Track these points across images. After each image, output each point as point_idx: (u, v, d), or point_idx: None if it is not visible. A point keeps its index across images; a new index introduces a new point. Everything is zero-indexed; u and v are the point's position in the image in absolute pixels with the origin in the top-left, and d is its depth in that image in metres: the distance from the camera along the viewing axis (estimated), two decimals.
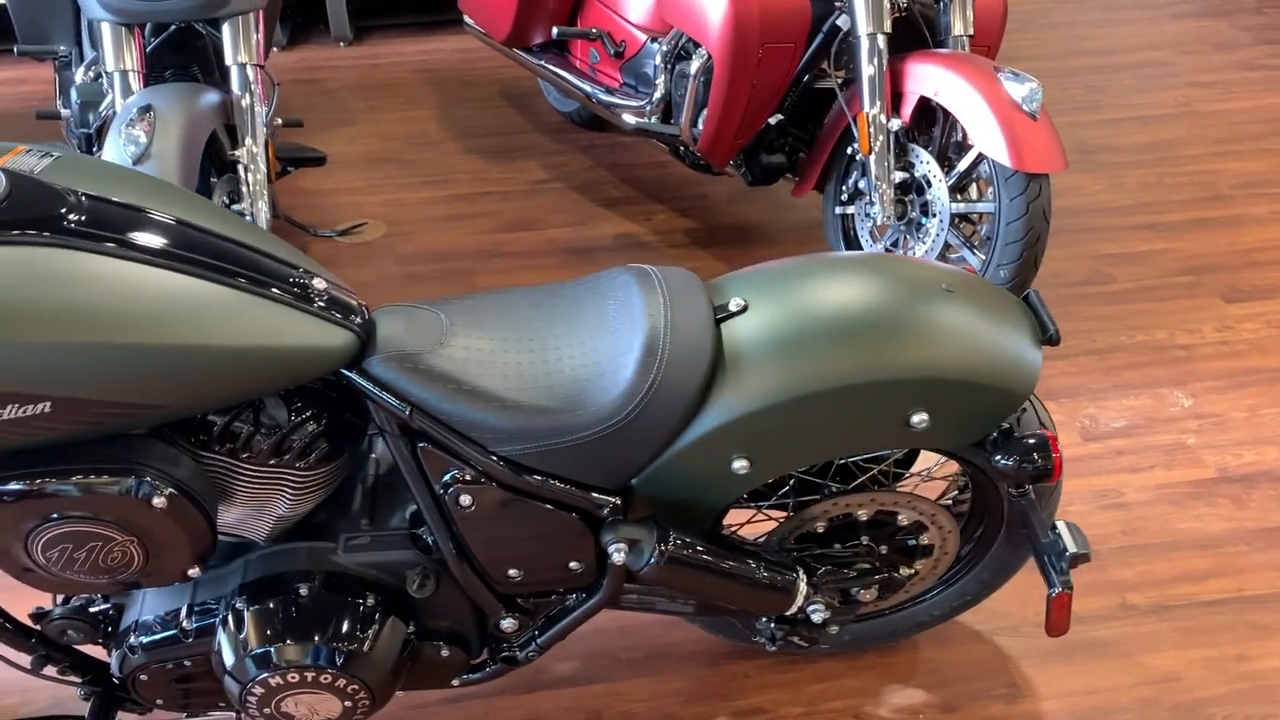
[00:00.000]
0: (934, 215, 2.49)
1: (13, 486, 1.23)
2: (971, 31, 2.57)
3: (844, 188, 2.68)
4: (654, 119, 2.95)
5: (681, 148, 2.88)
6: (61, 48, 3.18)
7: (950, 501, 1.69)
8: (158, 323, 1.19)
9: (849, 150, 2.66)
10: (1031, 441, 1.43)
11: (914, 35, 2.60)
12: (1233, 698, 1.77)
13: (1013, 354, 1.42)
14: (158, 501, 1.26)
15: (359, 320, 1.35)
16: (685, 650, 1.89)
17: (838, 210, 2.72)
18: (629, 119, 3.01)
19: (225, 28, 2.44)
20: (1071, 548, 1.41)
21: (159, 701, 1.54)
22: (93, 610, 1.52)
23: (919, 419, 1.39)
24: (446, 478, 1.41)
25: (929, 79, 2.43)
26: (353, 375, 1.35)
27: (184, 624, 1.47)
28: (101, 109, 2.59)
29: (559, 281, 1.53)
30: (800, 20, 2.54)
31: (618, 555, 1.40)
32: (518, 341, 1.41)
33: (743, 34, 2.50)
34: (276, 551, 1.47)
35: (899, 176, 2.51)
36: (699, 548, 1.43)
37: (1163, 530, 2.09)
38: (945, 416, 1.40)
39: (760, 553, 1.50)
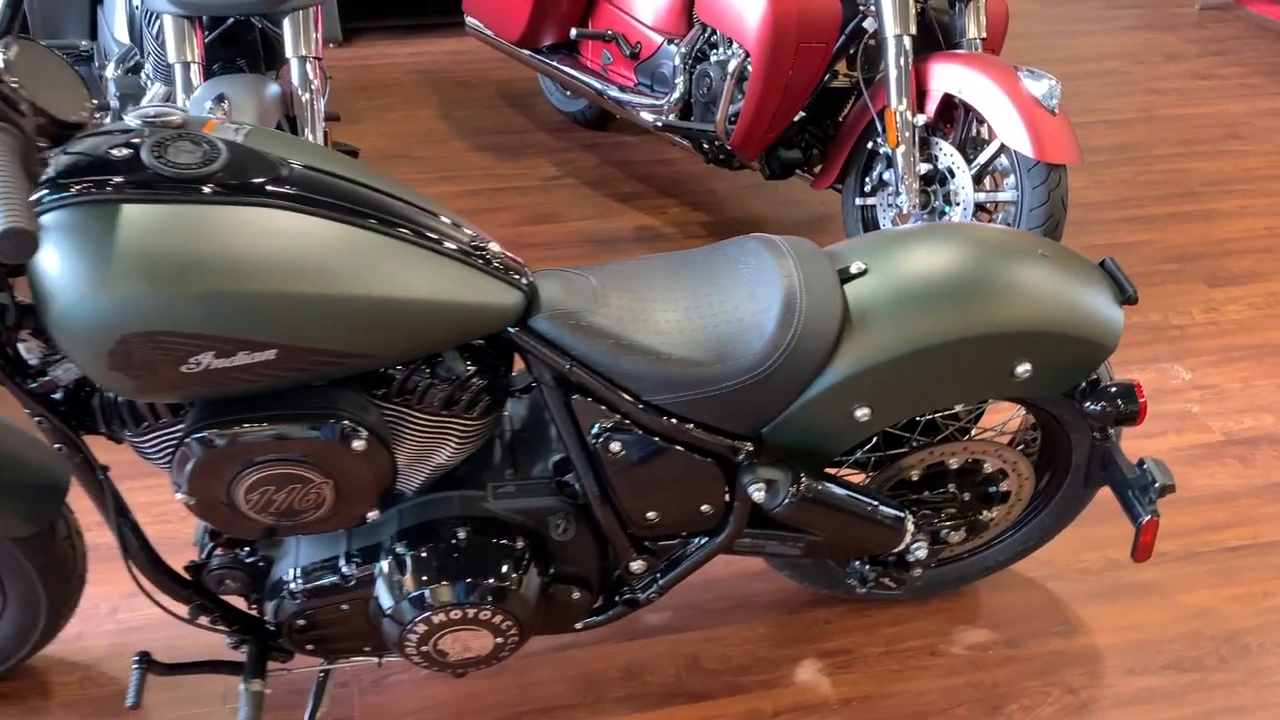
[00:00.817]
0: (957, 204, 2.68)
1: (231, 431, 1.33)
2: (985, 34, 2.77)
3: (867, 180, 2.86)
4: (672, 116, 3.10)
5: (707, 143, 3.03)
6: (82, 43, 3.22)
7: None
8: (369, 277, 1.30)
9: (869, 145, 2.84)
10: (1118, 388, 1.61)
11: (928, 38, 2.79)
12: (1265, 628, 1.97)
13: (1100, 311, 1.59)
14: (356, 444, 1.37)
15: (525, 281, 1.47)
16: (765, 600, 2.04)
17: (858, 201, 2.90)
18: (648, 117, 3.16)
19: (286, 22, 2.53)
20: (1160, 480, 1.59)
21: (309, 647, 1.63)
22: (247, 561, 1.60)
23: (1023, 369, 1.56)
24: (597, 427, 1.53)
25: (952, 77, 2.61)
26: (515, 332, 1.47)
27: (343, 570, 1.56)
28: (143, 102, 2.65)
29: (688, 249, 1.66)
30: (832, 21, 2.71)
31: (757, 494, 1.54)
32: (664, 301, 1.54)
33: (781, 33, 2.66)
34: (430, 500, 1.58)
35: (923, 168, 2.69)
36: (828, 487, 1.58)
37: (1182, 487, 2.29)
38: (1045, 367, 1.57)
39: (875, 494, 1.65)
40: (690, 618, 2.00)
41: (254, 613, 1.66)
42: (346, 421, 1.36)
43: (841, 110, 3.05)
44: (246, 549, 1.61)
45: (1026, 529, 1.92)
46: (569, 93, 3.97)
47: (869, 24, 2.75)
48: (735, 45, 2.82)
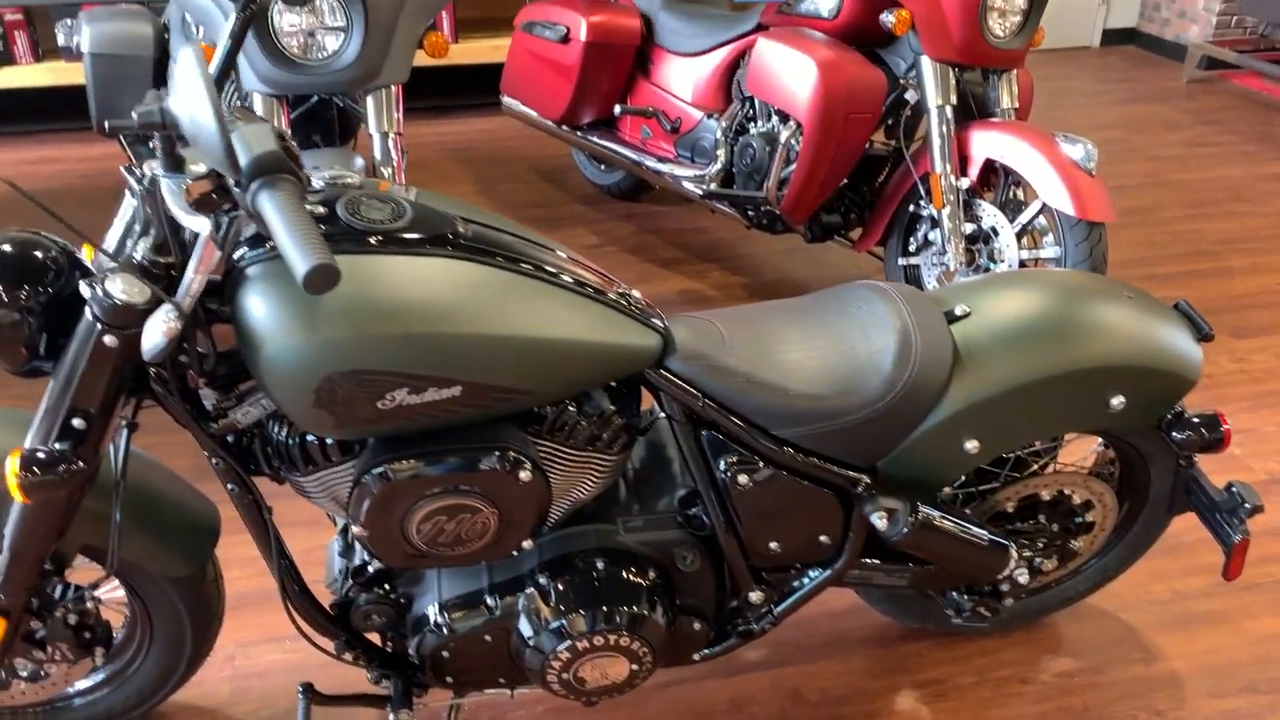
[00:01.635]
0: (1001, 261, 2.84)
1: (410, 465, 1.43)
2: (1017, 104, 2.96)
3: (910, 241, 3.02)
4: (714, 185, 3.27)
5: (754, 209, 3.19)
6: None
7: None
8: (537, 320, 1.42)
9: (911, 208, 3.01)
10: (1201, 418, 1.74)
11: (964, 107, 2.97)
12: None
13: (1183, 347, 1.73)
14: (523, 475, 1.47)
15: (661, 325, 1.59)
16: (858, 636, 2.13)
17: (902, 261, 3.06)
18: (691, 186, 3.33)
19: (369, 100, 2.67)
20: (1251, 501, 1.72)
21: (448, 679, 1.71)
22: (391, 598, 1.69)
23: (1117, 401, 1.68)
24: (724, 462, 1.64)
25: (994, 144, 2.79)
26: (652, 372, 1.59)
27: (487, 602, 1.65)
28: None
29: (799, 296, 1.79)
30: (878, 93, 2.89)
31: (879, 523, 1.65)
32: (785, 343, 1.66)
33: (832, 106, 2.84)
34: (567, 534, 1.67)
35: (968, 228, 2.85)
36: (943, 516, 1.69)
37: None
38: (1136, 398, 1.69)
39: (981, 524, 1.76)
40: (788, 653, 2.09)
41: (388, 649, 1.74)
42: (513, 453, 1.47)
43: (877, 176, 3.22)
44: (388, 586, 1.69)
45: (1106, 559, 2.03)
46: (604, 166, 4.14)
47: (910, 95, 2.93)
48: (782, 118, 3.00)
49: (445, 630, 1.65)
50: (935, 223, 2.92)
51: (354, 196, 1.40)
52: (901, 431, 1.65)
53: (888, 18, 2.85)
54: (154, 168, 1.28)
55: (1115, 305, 1.72)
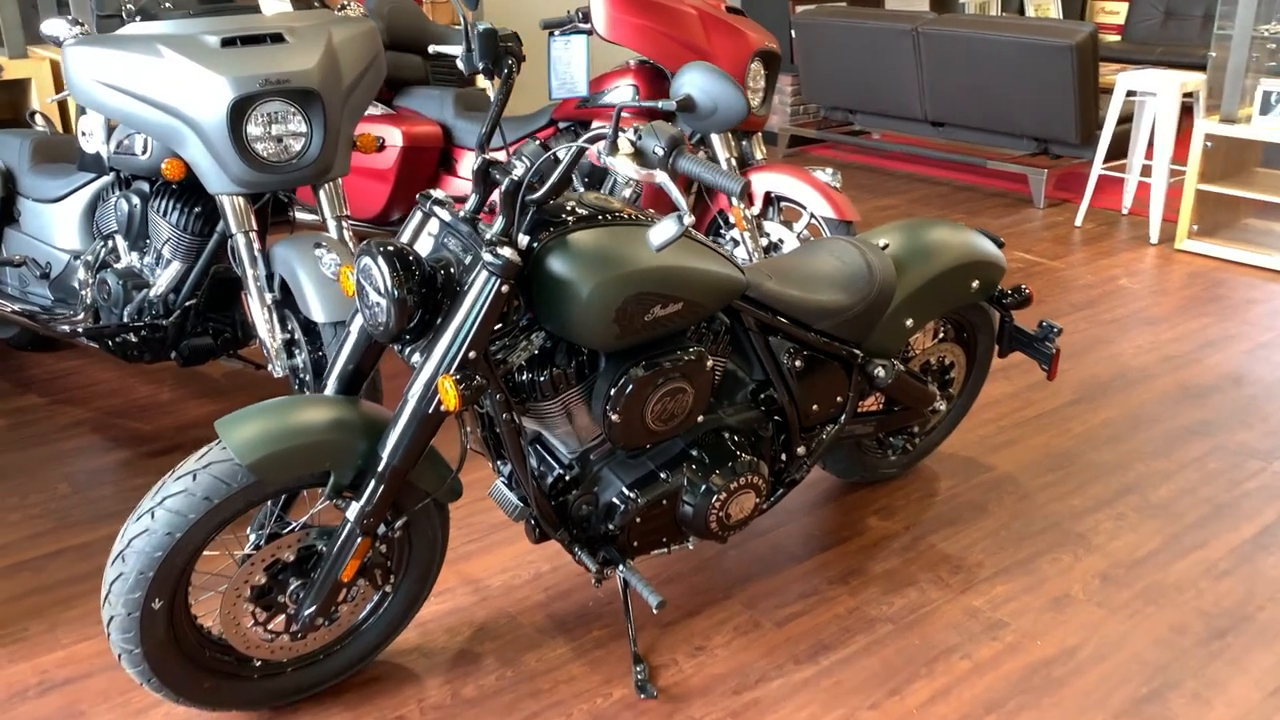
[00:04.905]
0: None
1: (655, 363, 2.16)
2: (764, 156, 4.12)
3: None
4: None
5: None
6: (16, 256, 3.60)
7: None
8: (705, 263, 2.22)
9: (713, 238, 4.05)
10: (1014, 289, 2.89)
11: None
12: None
13: (995, 250, 2.87)
14: (709, 364, 2.25)
15: (740, 266, 2.45)
16: (786, 554, 3.04)
17: None
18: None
19: (321, 193, 3.23)
20: (1056, 326, 2.88)
21: (635, 544, 2.38)
22: (589, 493, 2.35)
23: (974, 284, 2.78)
24: (785, 355, 2.51)
25: (771, 181, 3.91)
26: (737, 301, 2.43)
27: (661, 476, 2.36)
28: (151, 294, 3.23)
29: (796, 248, 2.71)
30: None
31: (880, 373, 2.60)
32: (803, 275, 2.58)
33: None
34: (700, 423, 2.44)
35: (764, 241, 3.93)
36: (910, 370, 2.68)
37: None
38: (983, 281, 2.80)
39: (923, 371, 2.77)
40: (734, 582, 2.95)
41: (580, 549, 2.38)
42: (699, 350, 2.25)
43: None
44: (579, 489, 2.35)
45: (954, 412, 3.13)
46: None
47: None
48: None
49: (635, 502, 2.34)
50: (738, 242, 3.97)
51: (574, 199, 2.14)
52: (877, 318, 2.62)
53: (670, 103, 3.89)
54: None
55: (960, 230, 2.84)
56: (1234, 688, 2.29)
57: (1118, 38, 9.07)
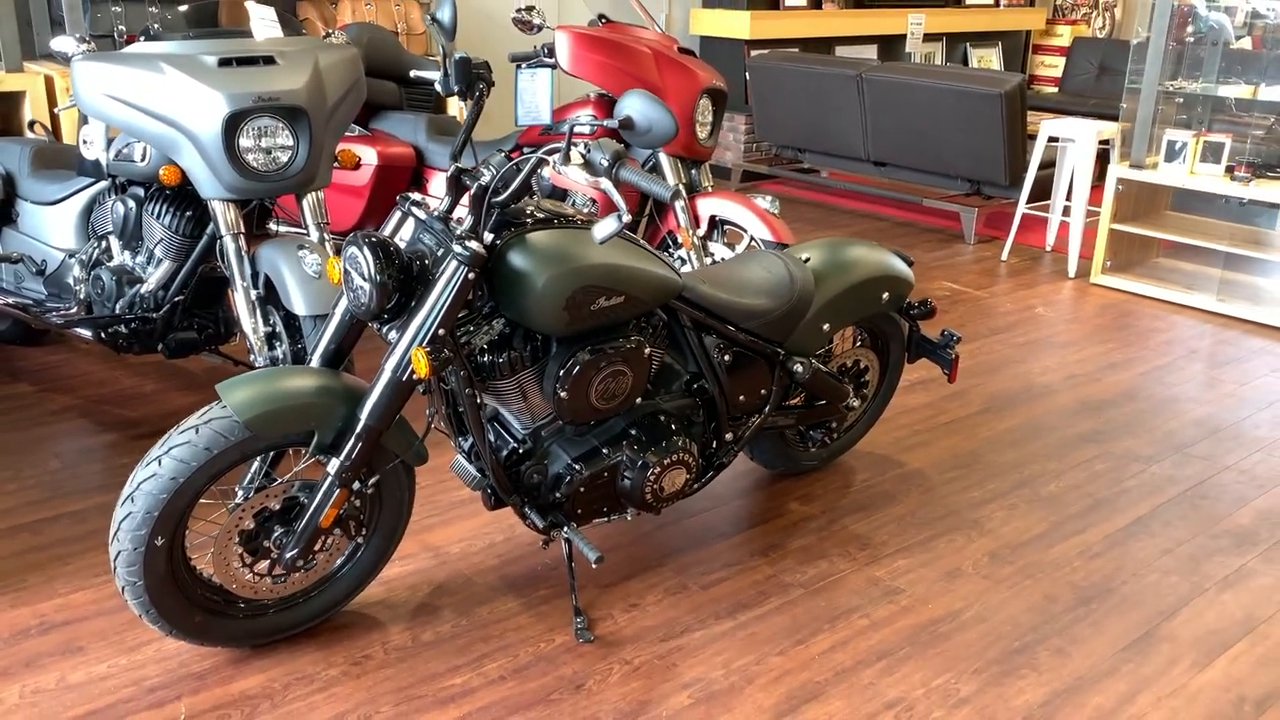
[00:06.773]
0: None
1: (600, 349, 2.50)
2: (711, 184, 4.50)
3: None
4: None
5: None
6: (14, 254, 3.89)
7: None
8: (645, 264, 2.58)
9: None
10: (921, 301, 3.27)
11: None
12: None
13: (905, 268, 3.25)
14: (647, 351, 2.60)
15: (677, 271, 2.80)
16: (717, 533, 3.38)
17: None
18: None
19: (304, 203, 3.55)
20: (955, 335, 3.25)
21: (579, 512, 2.70)
22: (540, 465, 2.67)
23: (885, 296, 3.16)
24: (716, 350, 2.87)
25: (715, 206, 4.28)
26: (674, 300, 2.78)
27: (603, 452, 2.70)
28: (143, 290, 3.53)
29: (728, 259, 3.07)
30: None
31: (799, 369, 2.96)
32: (733, 280, 2.94)
33: None
34: (638, 405, 2.78)
35: (708, 261, 4.30)
36: (827, 369, 3.04)
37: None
38: (892, 294, 3.18)
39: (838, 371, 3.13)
40: (668, 554, 3.29)
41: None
42: (639, 339, 2.59)
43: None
44: (530, 461, 2.68)
45: (870, 411, 3.50)
46: None
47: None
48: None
49: (580, 474, 2.67)
50: (685, 260, 4.33)
51: (532, 206, 2.49)
52: (796, 321, 2.99)
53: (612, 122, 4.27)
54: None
55: (874, 248, 3.22)
56: (1092, 644, 2.65)
57: (1055, 89, 9.63)
